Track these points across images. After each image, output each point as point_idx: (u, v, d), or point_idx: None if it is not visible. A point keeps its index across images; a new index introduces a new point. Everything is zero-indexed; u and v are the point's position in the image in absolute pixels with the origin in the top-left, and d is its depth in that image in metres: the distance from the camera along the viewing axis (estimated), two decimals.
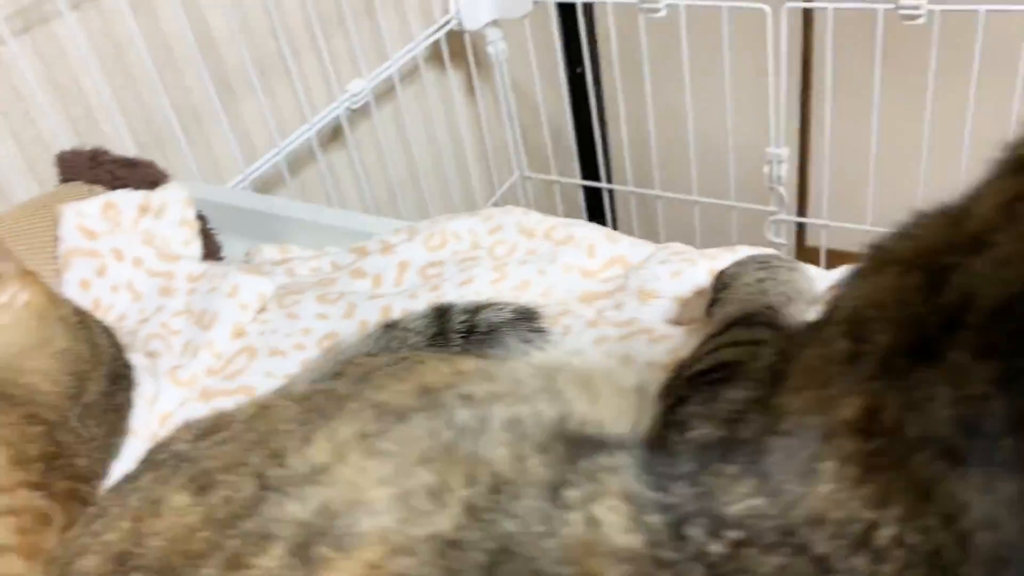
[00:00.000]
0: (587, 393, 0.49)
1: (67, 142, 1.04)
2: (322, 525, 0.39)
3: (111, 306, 0.86)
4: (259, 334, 0.83)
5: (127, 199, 0.89)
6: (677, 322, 0.73)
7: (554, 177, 1.67)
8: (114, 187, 0.91)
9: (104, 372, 0.71)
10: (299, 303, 0.85)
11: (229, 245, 1.02)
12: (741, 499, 0.37)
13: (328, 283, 0.89)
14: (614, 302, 0.78)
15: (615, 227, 1.74)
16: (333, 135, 1.40)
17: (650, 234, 1.66)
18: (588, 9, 1.54)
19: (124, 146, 1.12)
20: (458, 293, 0.82)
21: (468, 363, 0.53)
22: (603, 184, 1.64)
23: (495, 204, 1.65)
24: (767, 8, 1.29)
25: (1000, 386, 0.32)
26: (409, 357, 0.58)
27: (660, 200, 1.56)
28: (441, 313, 0.74)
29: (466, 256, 0.89)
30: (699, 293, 0.73)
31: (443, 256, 0.90)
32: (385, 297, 0.84)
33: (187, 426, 0.61)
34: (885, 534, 0.33)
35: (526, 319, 0.74)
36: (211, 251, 0.94)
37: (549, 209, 1.74)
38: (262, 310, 0.86)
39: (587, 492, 0.39)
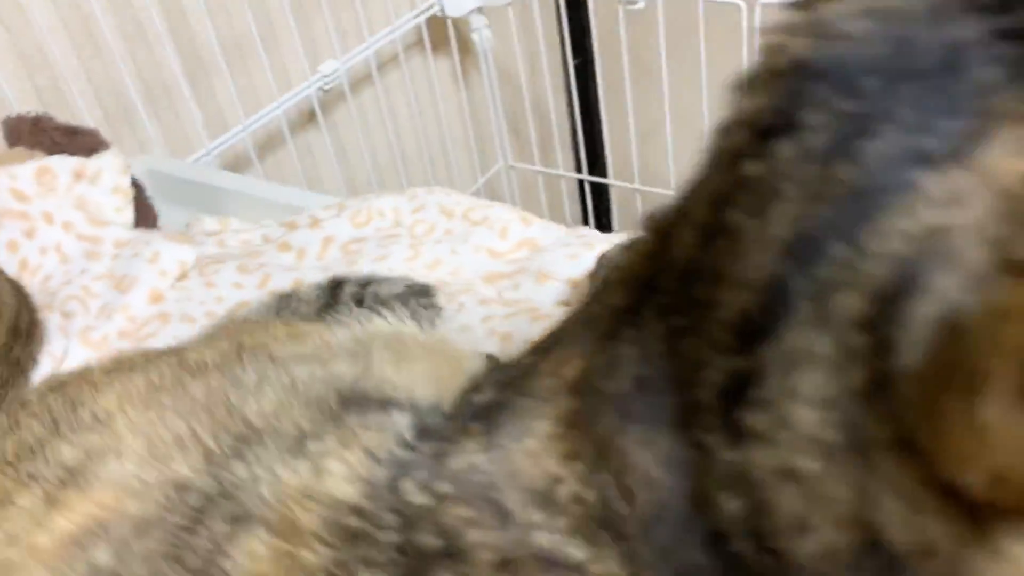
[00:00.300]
0: (398, 357, 0.50)
1: (30, 110, 1.06)
2: (80, 469, 0.41)
3: (39, 267, 0.88)
4: (176, 300, 0.85)
5: (62, 164, 0.91)
6: (567, 303, 0.74)
7: (537, 167, 1.68)
8: (53, 153, 0.93)
9: (3, 327, 0.73)
10: (218, 272, 0.87)
11: (176, 216, 1.04)
12: (466, 454, 0.37)
13: (254, 255, 0.91)
14: (513, 283, 0.78)
15: (600, 219, 1.74)
16: (311, 117, 1.42)
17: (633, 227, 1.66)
18: (577, 2, 1.54)
19: (90, 117, 1.14)
20: (372, 269, 0.83)
21: (304, 328, 0.54)
22: (585, 176, 1.64)
23: (476, 193, 1.65)
24: (742, 3, 1.29)
25: (668, 344, 0.32)
26: (262, 321, 0.60)
27: (639, 193, 1.56)
28: (335, 285, 0.75)
29: (388, 233, 0.90)
30: (589, 275, 0.74)
31: (367, 233, 0.91)
32: (301, 270, 0.86)
33: (51, 377, 0.62)
34: (566, 490, 0.33)
35: (417, 294, 0.75)
36: (147, 219, 0.96)
37: (534, 199, 1.74)
38: (183, 277, 0.87)
39: (331, 445, 0.39)
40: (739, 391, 0.29)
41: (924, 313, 0.25)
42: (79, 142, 0.94)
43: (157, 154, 1.19)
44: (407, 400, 0.46)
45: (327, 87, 1.35)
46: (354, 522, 0.34)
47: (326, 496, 0.36)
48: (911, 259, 0.25)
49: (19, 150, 0.95)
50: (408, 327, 0.56)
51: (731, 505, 0.30)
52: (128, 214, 0.93)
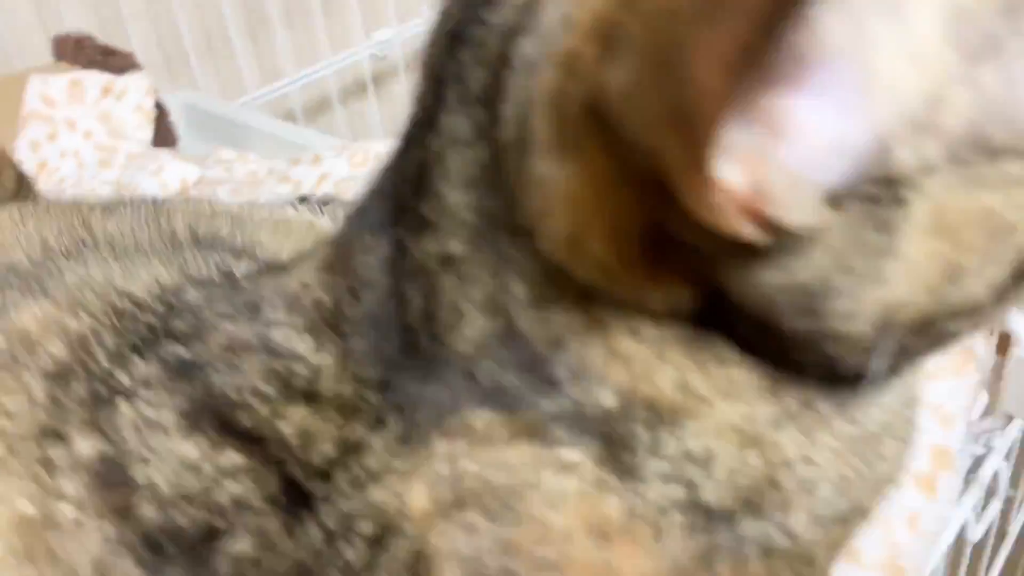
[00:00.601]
0: (277, 230, 0.53)
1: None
2: None
3: (56, 169, 0.95)
4: None
5: (93, 79, 0.98)
6: None
7: None
8: (89, 69, 1.00)
9: None
10: (214, 192, 0.92)
11: (205, 150, 1.10)
12: (261, 278, 0.40)
13: (254, 184, 0.95)
14: None
15: None
16: (365, 87, 1.47)
17: None
18: None
19: (148, 54, 1.22)
20: None
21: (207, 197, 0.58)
22: None
23: None
24: None
25: (397, 154, 0.34)
26: None
27: None
28: (299, 201, 0.79)
29: None
30: None
31: (360, 173, 0.95)
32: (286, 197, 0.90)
33: None
34: (310, 295, 0.35)
35: None
36: (166, 141, 1.02)
37: None
38: (183, 192, 0.93)
39: (155, 262, 0.42)
40: (420, 182, 0.32)
41: (516, 82, 0.27)
42: (113, 62, 1.00)
43: (204, 93, 1.26)
44: (263, 257, 0.49)
45: (381, 55, 1.40)
46: (125, 305, 0.37)
47: (117, 289, 0.39)
48: (513, 28, 0.27)
49: (62, 64, 1.02)
50: (314, 218, 0.59)
51: (414, 298, 0.32)
52: (147, 132, 0.99)
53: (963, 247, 0.26)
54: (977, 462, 0.70)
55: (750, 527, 0.32)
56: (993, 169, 0.25)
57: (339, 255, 0.36)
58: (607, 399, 0.30)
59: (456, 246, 0.31)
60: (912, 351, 0.30)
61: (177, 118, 1.10)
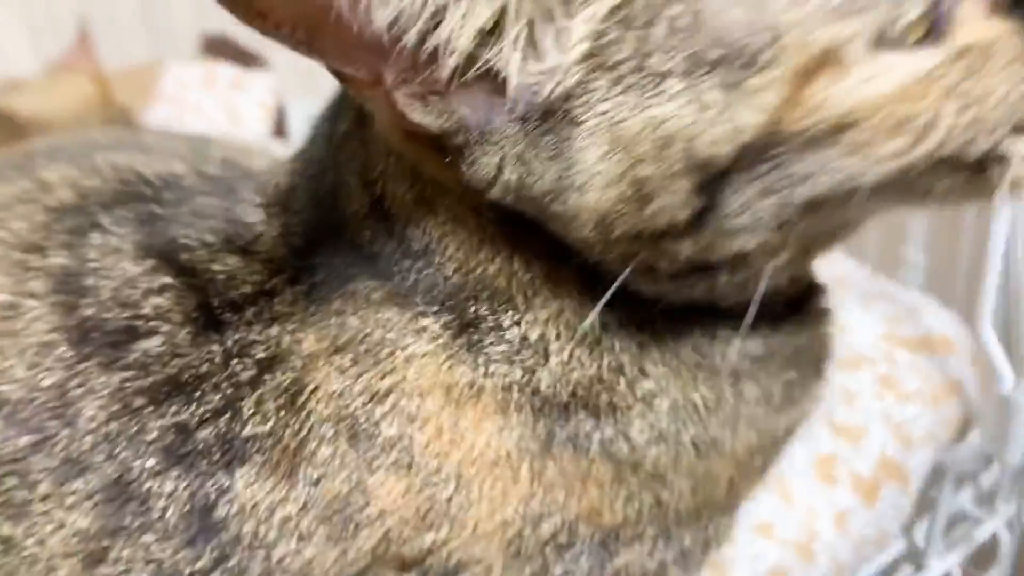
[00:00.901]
0: None
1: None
2: None
3: None
4: None
5: (225, 72, 1.09)
6: None
7: None
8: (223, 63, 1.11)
9: None
10: None
11: None
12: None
13: None
14: None
15: None
16: None
17: None
18: None
19: (283, 61, 1.32)
20: None
21: None
22: None
23: None
24: None
25: None
26: None
27: None
28: None
29: None
30: None
31: None
32: None
33: None
34: (275, 180, 0.42)
35: None
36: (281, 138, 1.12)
37: None
38: None
39: (179, 162, 0.49)
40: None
41: None
42: (247, 60, 1.12)
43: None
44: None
45: None
46: (132, 177, 0.44)
47: (132, 169, 0.45)
48: None
49: (203, 58, 1.14)
50: None
51: (329, 172, 0.38)
52: (265, 126, 1.09)
53: (638, 157, 0.30)
54: (976, 521, 0.68)
55: (587, 424, 0.35)
56: (657, 88, 0.29)
57: (304, 145, 0.43)
58: (451, 275, 0.35)
59: (347, 124, 0.37)
60: (669, 275, 0.34)
61: (302, 125, 1.20)
